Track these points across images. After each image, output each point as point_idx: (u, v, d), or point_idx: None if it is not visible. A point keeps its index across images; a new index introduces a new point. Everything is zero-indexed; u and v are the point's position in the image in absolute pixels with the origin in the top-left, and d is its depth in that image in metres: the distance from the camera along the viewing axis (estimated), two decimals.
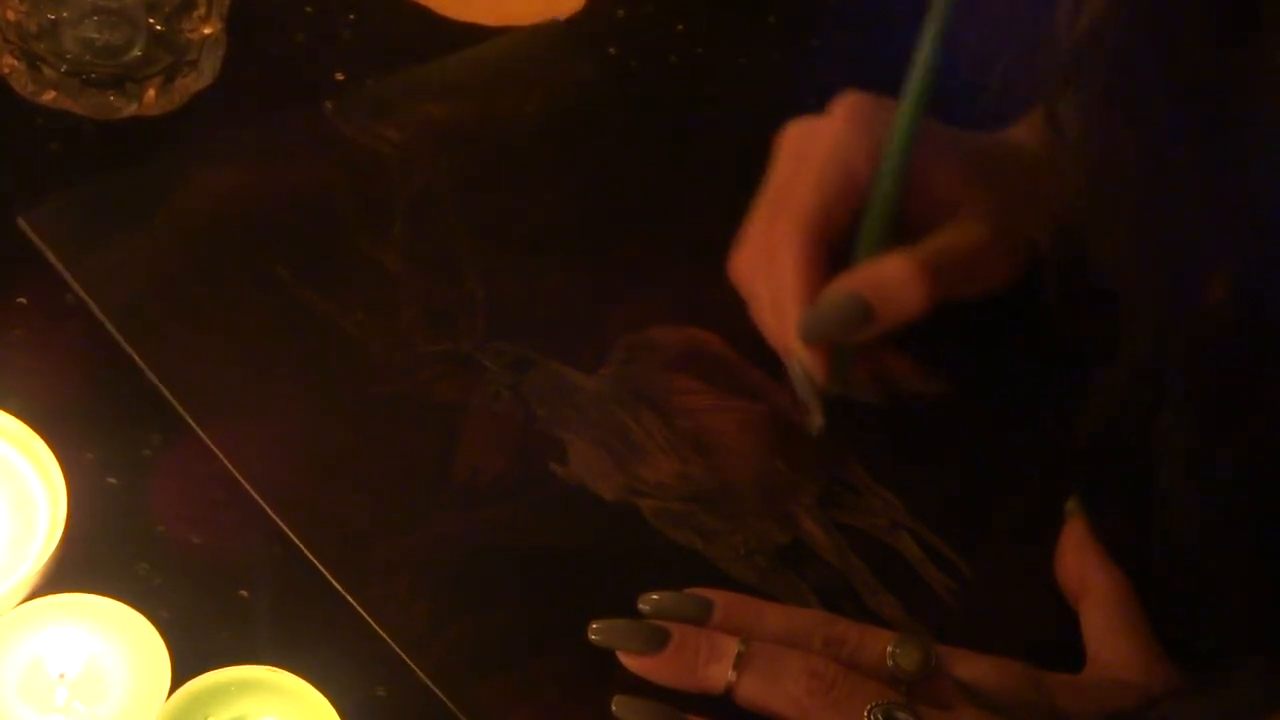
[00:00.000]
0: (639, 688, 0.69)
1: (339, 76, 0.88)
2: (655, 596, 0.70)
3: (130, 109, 0.83)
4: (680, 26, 0.94)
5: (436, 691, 0.68)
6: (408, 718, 0.69)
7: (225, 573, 0.71)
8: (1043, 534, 0.75)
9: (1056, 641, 0.73)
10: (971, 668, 0.69)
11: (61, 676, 0.65)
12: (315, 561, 0.70)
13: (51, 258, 0.77)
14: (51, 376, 0.75)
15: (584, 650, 0.69)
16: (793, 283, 0.77)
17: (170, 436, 0.74)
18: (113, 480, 0.72)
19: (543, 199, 0.85)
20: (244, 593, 0.70)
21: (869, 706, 0.67)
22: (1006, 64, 0.70)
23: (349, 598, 0.70)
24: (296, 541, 0.71)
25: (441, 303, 0.79)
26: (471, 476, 0.74)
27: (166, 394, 0.74)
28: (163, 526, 0.72)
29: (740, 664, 0.68)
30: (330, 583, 0.70)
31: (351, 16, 0.90)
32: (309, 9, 0.90)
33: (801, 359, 0.77)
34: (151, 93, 0.83)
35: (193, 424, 0.73)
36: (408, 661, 0.69)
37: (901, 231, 0.78)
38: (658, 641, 0.69)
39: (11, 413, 0.70)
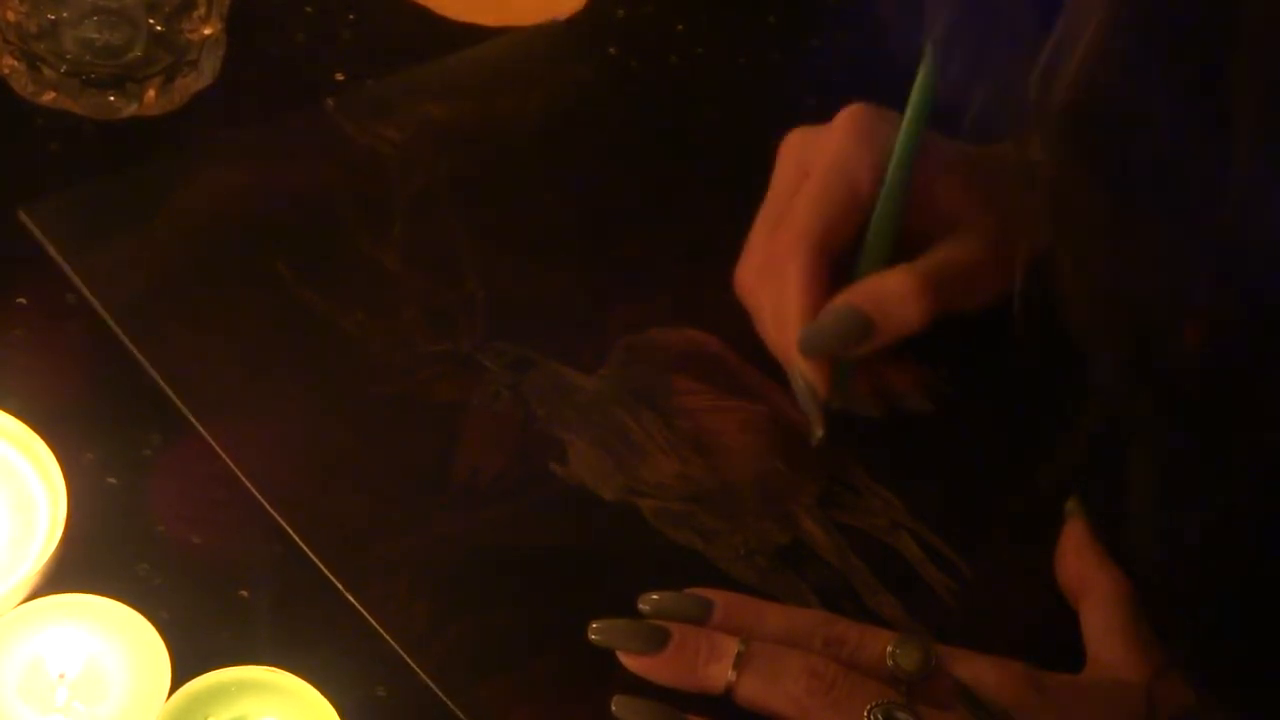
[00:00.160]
0: (639, 688, 0.69)
1: (339, 76, 0.88)
2: (655, 596, 0.70)
3: (130, 109, 0.83)
4: (680, 26, 0.94)
5: (436, 691, 0.68)
6: (408, 718, 0.69)
7: (225, 573, 0.71)
8: (1043, 534, 0.75)
9: (1056, 641, 0.73)
10: (971, 668, 0.69)
11: (61, 677, 0.65)
12: (315, 561, 0.71)
13: (52, 252, 0.77)
14: (51, 376, 0.75)
15: (584, 650, 0.69)
16: (795, 296, 0.77)
17: (170, 437, 0.74)
18: (113, 480, 0.72)
19: (543, 199, 0.85)
20: (244, 593, 0.70)
21: (869, 706, 0.67)
22: (982, 100, 0.70)
23: (349, 597, 0.70)
24: (297, 541, 0.71)
25: (441, 303, 0.79)
26: (471, 476, 0.74)
27: (169, 393, 0.74)
28: (163, 526, 0.72)
29: (740, 664, 0.68)
30: (330, 582, 0.70)
31: (351, 16, 0.90)
32: (309, 9, 0.90)
33: (803, 372, 0.77)
34: (151, 93, 0.83)
35: (195, 422, 0.73)
36: (408, 661, 0.69)
37: (902, 243, 0.79)
38: (658, 641, 0.69)
39: (11, 413, 0.70)
